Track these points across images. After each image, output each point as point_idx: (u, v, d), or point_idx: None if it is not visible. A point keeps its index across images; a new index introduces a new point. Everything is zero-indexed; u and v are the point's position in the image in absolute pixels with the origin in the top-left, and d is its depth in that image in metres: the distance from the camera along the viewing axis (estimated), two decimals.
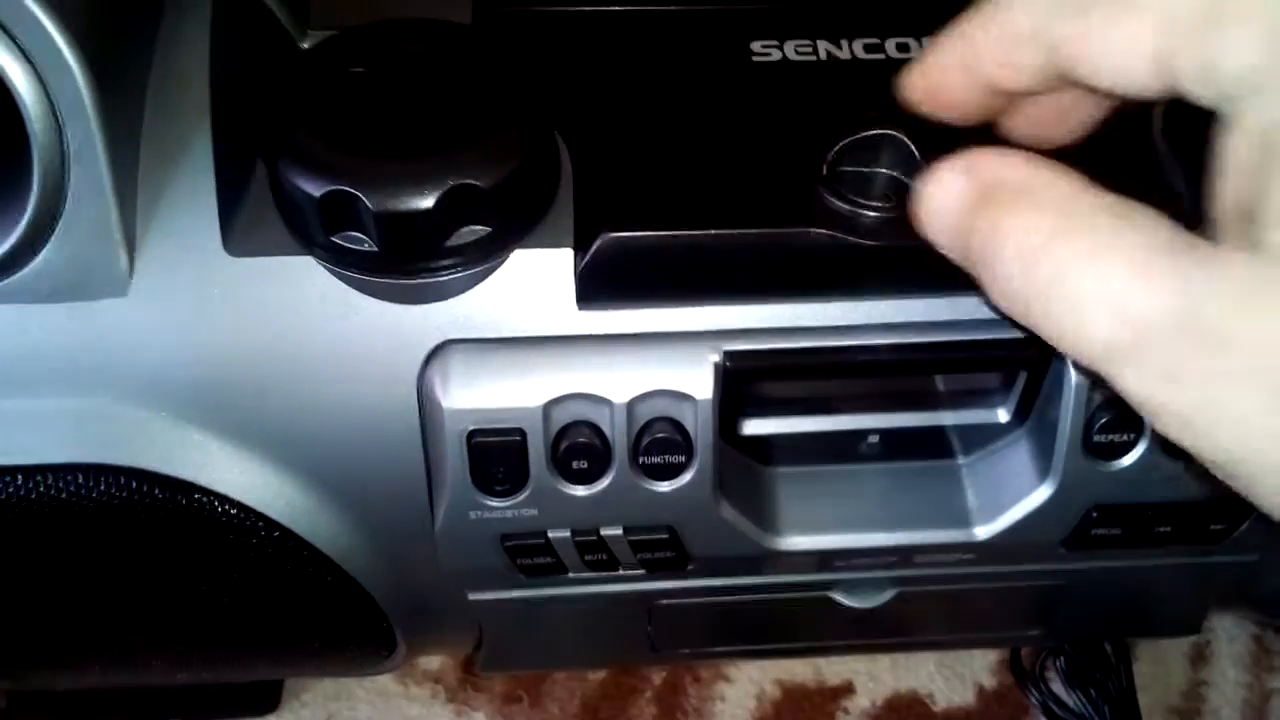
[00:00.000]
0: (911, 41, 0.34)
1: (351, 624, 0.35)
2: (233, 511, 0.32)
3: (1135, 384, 0.20)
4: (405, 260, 0.29)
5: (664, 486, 0.32)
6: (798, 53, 0.34)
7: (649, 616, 0.36)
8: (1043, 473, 0.33)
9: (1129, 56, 0.22)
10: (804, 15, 0.35)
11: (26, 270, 0.29)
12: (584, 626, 0.37)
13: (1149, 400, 0.20)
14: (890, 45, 0.34)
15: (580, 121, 0.32)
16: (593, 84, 0.33)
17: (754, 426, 0.34)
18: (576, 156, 0.31)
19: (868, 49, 0.34)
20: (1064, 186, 0.22)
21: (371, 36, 0.31)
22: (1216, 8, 0.21)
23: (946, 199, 0.24)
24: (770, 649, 0.41)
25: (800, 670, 0.52)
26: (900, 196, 0.29)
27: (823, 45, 0.34)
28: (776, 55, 0.34)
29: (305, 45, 0.34)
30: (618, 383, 0.30)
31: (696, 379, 0.30)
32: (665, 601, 0.36)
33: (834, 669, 0.52)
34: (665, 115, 0.33)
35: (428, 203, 0.27)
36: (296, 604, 0.34)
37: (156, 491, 0.31)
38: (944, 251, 0.25)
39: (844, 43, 0.34)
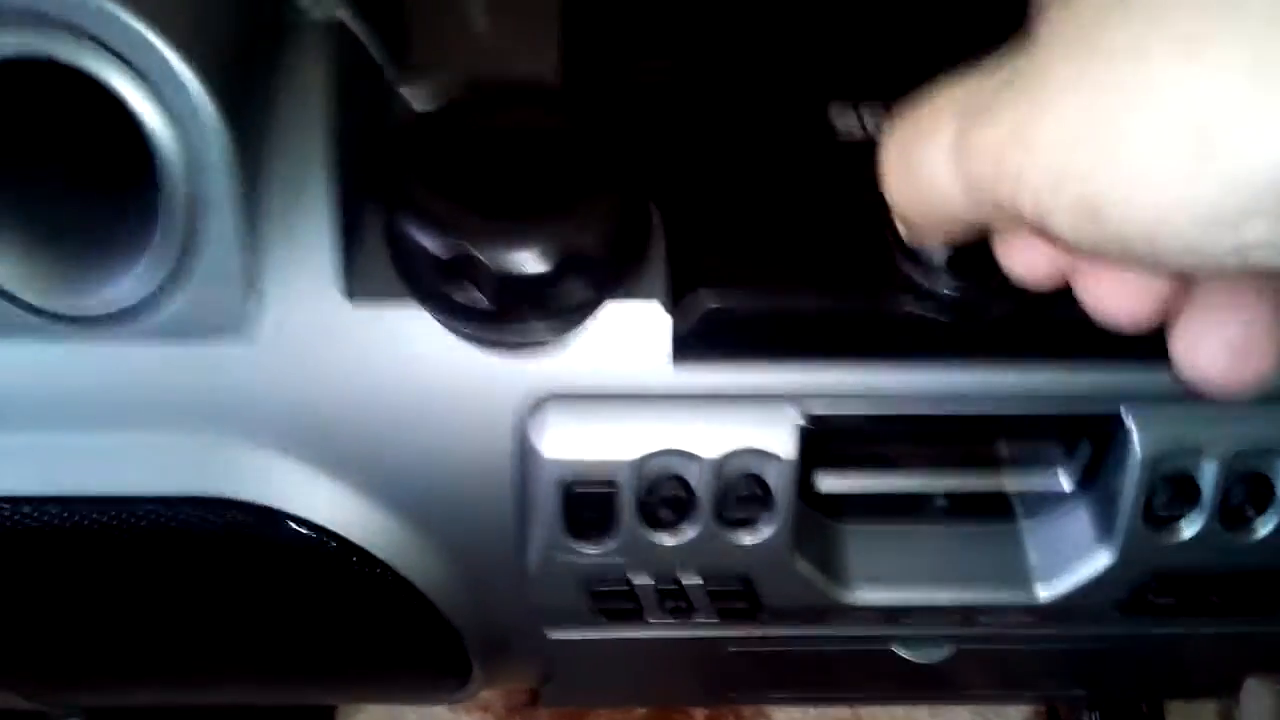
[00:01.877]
0: None
1: (435, 655, 0.36)
2: (333, 545, 0.33)
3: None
4: (514, 316, 0.30)
5: (743, 539, 0.33)
6: (875, 117, 0.36)
7: (713, 661, 0.38)
8: (1103, 539, 0.34)
9: None
10: (880, 81, 0.37)
11: (155, 312, 0.30)
12: (649, 667, 0.38)
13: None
14: None
15: (666, 181, 0.34)
16: (676, 144, 0.35)
17: (828, 483, 0.35)
18: (666, 216, 0.33)
19: None
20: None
21: (481, 101, 0.33)
22: None
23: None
24: (826, 696, 0.43)
25: (840, 714, 0.53)
26: (975, 270, 0.30)
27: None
28: (855, 123, 0.36)
29: (404, 92, 0.36)
30: (707, 440, 0.32)
31: (781, 439, 0.32)
32: (731, 648, 0.37)
33: (872, 711, 0.53)
34: (746, 176, 0.34)
35: (543, 266, 0.29)
36: (386, 634, 0.35)
37: (260, 523, 0.33)
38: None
39: None
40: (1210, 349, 0.24)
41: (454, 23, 0.38)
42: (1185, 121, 0.19)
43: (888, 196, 0.27)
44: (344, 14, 0.33)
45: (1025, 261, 0.27)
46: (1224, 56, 0.18)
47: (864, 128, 0.35)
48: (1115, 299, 0.25)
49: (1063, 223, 0.21)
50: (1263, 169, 0.18)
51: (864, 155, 0.34)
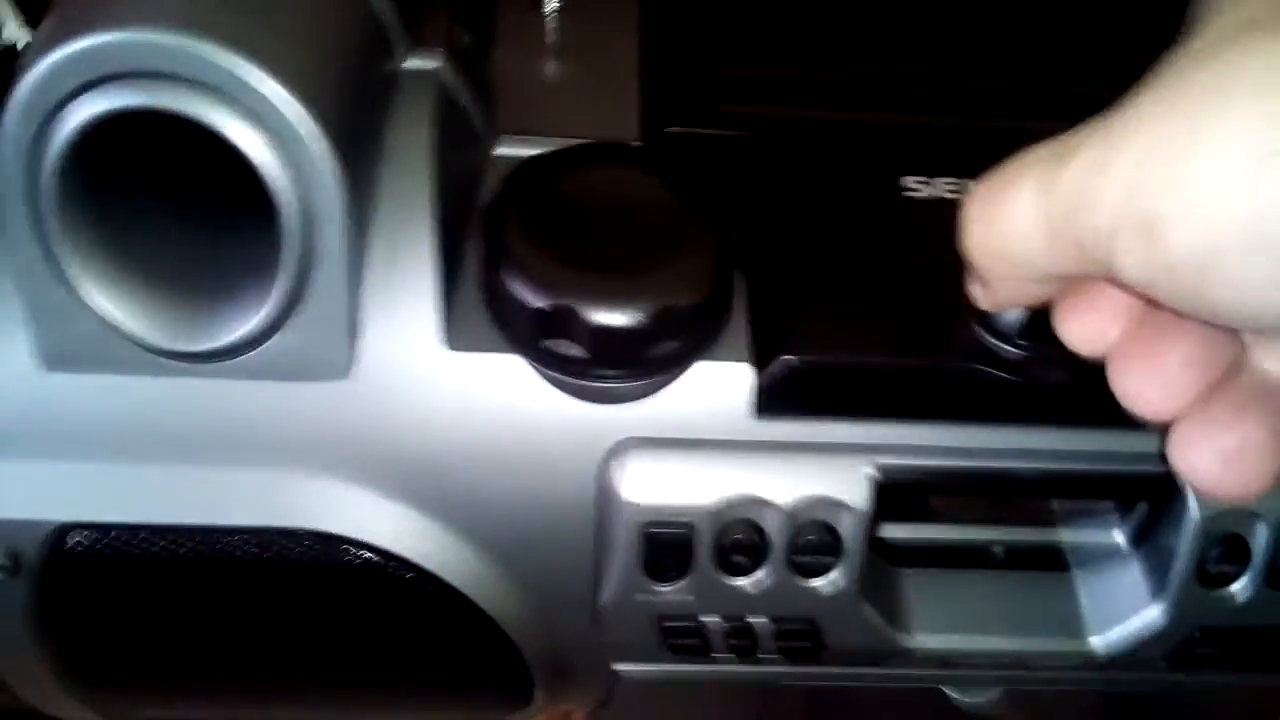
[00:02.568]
0: None
1: (501, 681, 0.37)
2: (411, 576, 0.35)
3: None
4: (606, 367, 0.32)
5: (813, 584, 0.34)
6: (945, 189, 0.37)
7: (767, 694, 0.39)
8: (1156, 595, 0.35)
9: None
10: (947, 148, 0.38)
11: (260, 351, 0.32)
12: (706, 698, 0.40)
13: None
14: None
15: (744, 240, 0.35)
16: (753, 204, 0.36)
17: (891, 531, 0.37)
18: (747, 274, 0.34)
19: None
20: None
21: (573, 157, 0.34)
22: None
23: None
24: None
25: None
26: (1042, 337, 0.32)
27: (968, 184, 0.37)
28: (926, 190, 0.37)
29: (496, 151, 0.38)
30: (783, 488, 0.33)
31: (853, 490, 0.33)
32: (785, 683, 0.39)
33: None
34: (821, 239, 0.36)
35: (639, 320, 0.30)
36: (458, 660, 0.37)
37: (349, 554, 0.34)
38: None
39: None
40: (1205, 455, 0.26)
41: (538, 82, 0.40)
42: (1248, 147, 0.21)
43: (967, 253, 0.28)
44: (444, 71, 0.35)
45: (1081, 328, 0.28)
46: None
47: (937, 197, 0.36)
48: (1142, 387, 0.27)
49: (1124, 246, 0.23)
50: None
51: (936, 222, 0.36)
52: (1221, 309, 0.23)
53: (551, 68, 0.41)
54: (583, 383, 0.32)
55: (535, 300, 0.31)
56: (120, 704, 0.38)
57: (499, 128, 0.38)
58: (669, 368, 0.32)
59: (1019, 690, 0.38)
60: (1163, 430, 0.27)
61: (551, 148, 0.36)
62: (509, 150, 0.37)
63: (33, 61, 0.29)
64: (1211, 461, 0.26)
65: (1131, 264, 0.24)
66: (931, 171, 0.37)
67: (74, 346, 0.32)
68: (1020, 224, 0.26)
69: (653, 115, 0.39)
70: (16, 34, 0.37)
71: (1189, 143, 0.22)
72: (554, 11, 0.42)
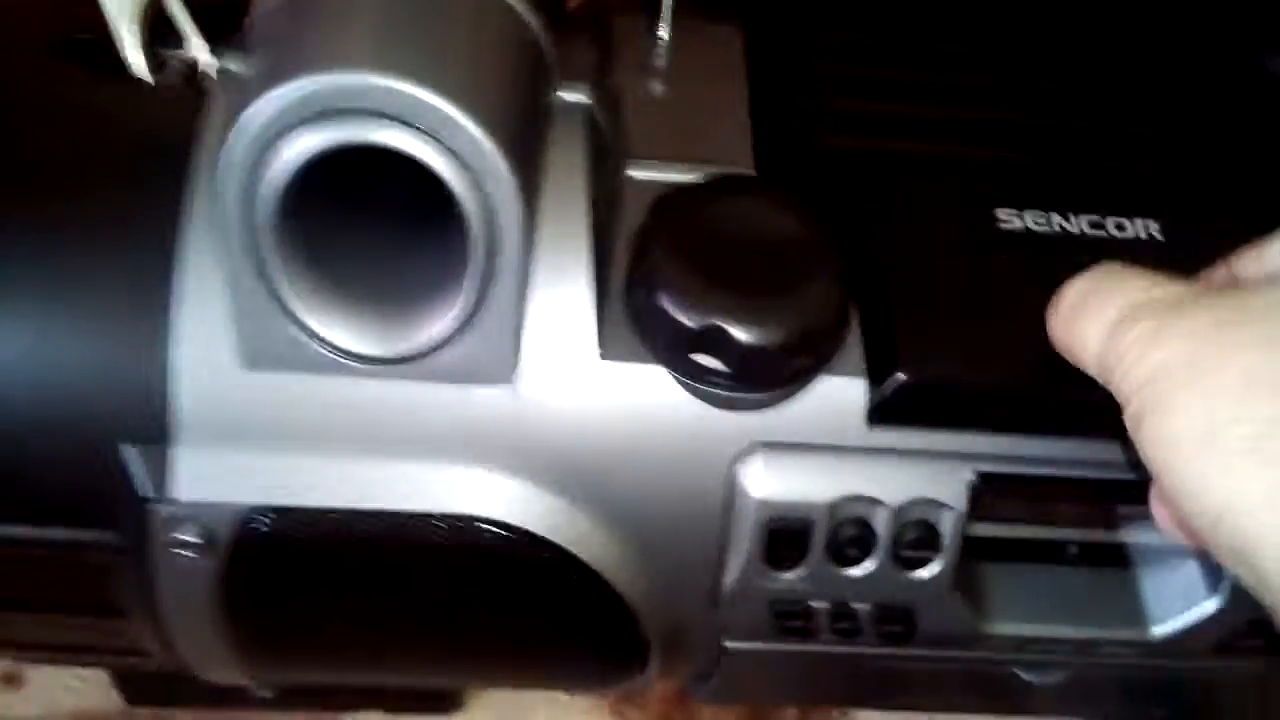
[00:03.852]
0: (1126, 221, 0.42)
1: (623, 653, 0.41)
2: (555, 557, 0.38)
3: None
4: (746, 380, 0.36)
5: (913, 575, 0.39)
6: (1033, 222, 0.41)
7: (859, 673, 0.44)
8: (1212, 588, 0.40)
9: None
10: (1036, 182, 0.42)
11: (438, 356, 0.36)
12: (802, 674, 0.44)
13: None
14: (1109, 223, 0.42)
15: (854, 264, 0.39)
16: (859, 230, 0.40)
17: (979, 529, 0.41)
18: (858, 297, 0.38)
19: (1091, 225, 0.41)
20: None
21: (709, 190, 0.38)
22: None
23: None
24: (947, 706, 0.48)
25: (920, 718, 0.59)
26: None
27: (1055, 218, 0.41)
28: (1016, 222, 0.41)
29: (627, 173, 0.41)
30: (892, 489, 0.37)
31: (954, 492, 0.38)
32: (878, 663, 0.43)
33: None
34: (922, 265, 0.39)
35: (783, 339, 0.34)
36: (589, 633, 0.41)
37: (505, 538, 0.38)
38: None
39: (1072, 216, 0.42)
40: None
41: (656, 108, 0.44)
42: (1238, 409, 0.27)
43: (1049, 331, 0.33)
44: (592, 103, 0.39)
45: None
46: None
47: (1025, 229, 0.40)
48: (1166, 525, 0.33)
49: (1137, 415, 0.29)
50: None
51: (1025, 253, 0.40)
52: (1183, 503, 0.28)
53: (667, 94, 0.45)
54: (721, 393, 0.36)
55: (687, 320, 0.35)
56: (279, 668, 0.42)
57: (633, 152, 0.42)
58: (798, 382, 0.36)
59: (1081, 674, 0.43)
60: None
61: (675, 173, 0.40)
62: (639, 174, 0.41)
63: (256, 96, 0.32)
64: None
65: (1138, 436, 0.29)
66: (1021, 204, 0.41)
67: (273, 349, 0.35)
68: (1087, 340, 0.32)
69: (764, 145, 0.43)
70: (197, 51, 0.40)
71: (1232, 344, 0.27)
72: (666, 38, 0.46)
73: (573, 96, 0.39)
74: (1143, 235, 0.40)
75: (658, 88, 0.45)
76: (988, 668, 0.43)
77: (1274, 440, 0.25)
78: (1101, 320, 0.31)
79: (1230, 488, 0.26)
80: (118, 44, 0.40)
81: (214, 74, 0.38)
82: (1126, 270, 0.32)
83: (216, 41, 0.40)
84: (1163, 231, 0.40)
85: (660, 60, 0.46)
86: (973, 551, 0.41)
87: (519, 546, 0.38)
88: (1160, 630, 0.41)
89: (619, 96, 0.43)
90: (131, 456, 0.36)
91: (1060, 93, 0.45)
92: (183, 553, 0.36)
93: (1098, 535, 0.42)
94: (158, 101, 0.39)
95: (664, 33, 0.47)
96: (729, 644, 0.42)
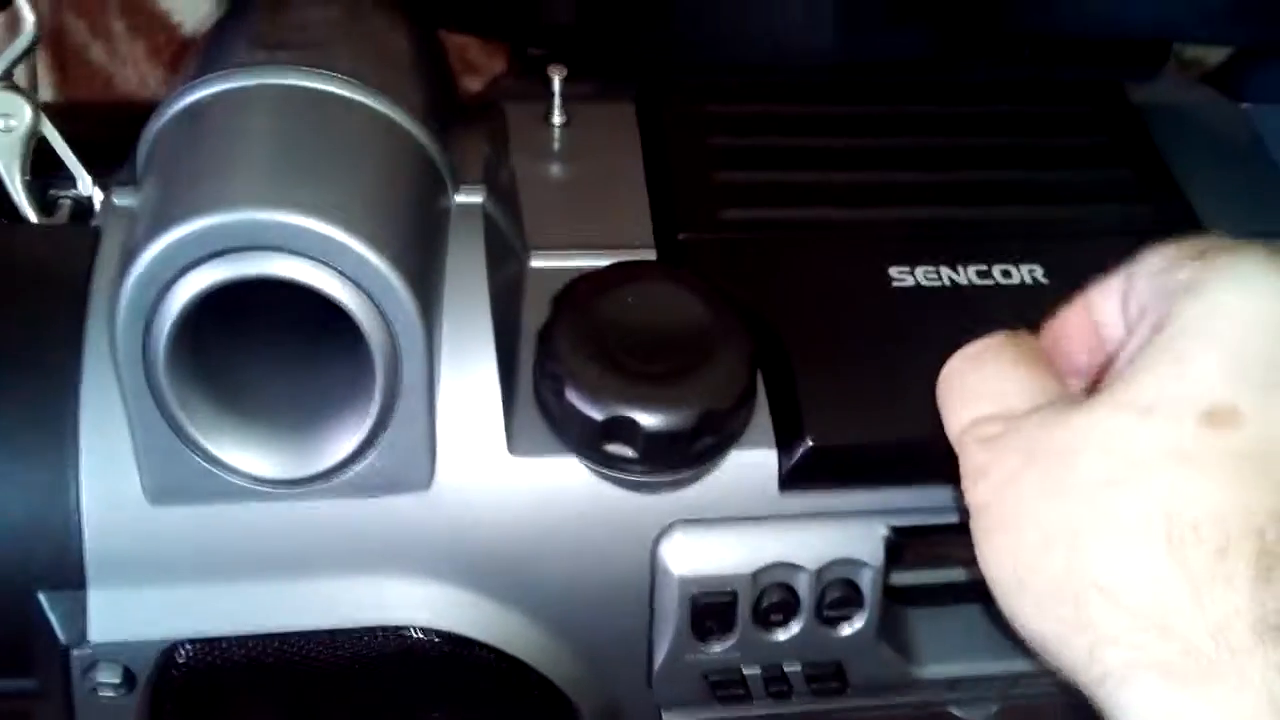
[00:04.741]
0: (1011, 268, 0.43)
1: None
2: (487, 654, 0.39)
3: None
4: (657, 464, 0.36)
5: (838, 631, 0.40)
6: (924, 278, 0.42)
7: None
8: None
9: None
10: (925, 239, 0.43)
11: (353, 471, 0.36)
12: None
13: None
14: (996, 271, 0.43)
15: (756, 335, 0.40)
16: (758, 300, 0.41)
17: (899, 578, 0.42)
18: (762, 367, 0.39)
19: (979, 275, 0.43)
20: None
21: (607, 277, 0.39)
22: None
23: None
24: None
25: None
26: None
27: (945, 271, 0.43)
28: (909, 280, 0.42)
29: (532, 265, 0.42)
30: (810, 552, 0.38)
31: (871, 548, 0.39)
32: (817, 718, 0.44)
33: None
34: (822, 329, 0.40)
35: (688, 424, 0.35)
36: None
37: (431, 642, 0.38)
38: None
39: (960, 268, 0.43)
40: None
41: (554, 195, 0.45)
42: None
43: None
44: (486, 201, 0.39)
45: None
46: None
47: (917, 285, 0.42)
48: None
49: (974, 533, 0.33)
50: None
51: (918, 309, 0.41)
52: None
53: (565, 179, 0.45)
54: (634, 478, 0.37)
55: (594, 412, 0.35)
56: None
57: (530, 243, 0.42)
58: (709, 460, 0.37)
59: (1015, 705, 0.44)
60: None
61: (577, 259, 0.41)
62: (541, 264, 0.42)
63: (146, 240, 0.32)
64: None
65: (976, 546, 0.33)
66: (912, 261, 0.42)
67: (180, 482, 0.35)
68: (947, 424, 0.36)
69: (662, 223, 0.43)
70: (87, 190, 0.40)
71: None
72: (561, 125, 0.47)
73: (468, 199, 0.39)
74: (1027, 280, 0.42)
75: (555, 174, 0.46)
76: (923, 710, 0.44)
77: (1070, 585, 0.30)
78: (956, 417, 0.35)
79: (1039, 630, 0.31)
80: (8, 188, 0.40)
81: (106, 211, 0.38)
82: (989, 360, 0.35)
83: (108, 172, 0.40)
84: (1046, 274, 0.42)
85: (556, 145, 0.47)
86: (897, 598, 0.42)
87: (448, 649, 0.38)
88: None
89: (516, 190, 0.44)
90: (50, 603, 0.36)
91: (939, 147, 0.47)
92: (103, 694, 0.36)
93: None
94: (54, 240, 0.39)
95: (557, 119, 0.47)
96: (668, 717, 0.42)
